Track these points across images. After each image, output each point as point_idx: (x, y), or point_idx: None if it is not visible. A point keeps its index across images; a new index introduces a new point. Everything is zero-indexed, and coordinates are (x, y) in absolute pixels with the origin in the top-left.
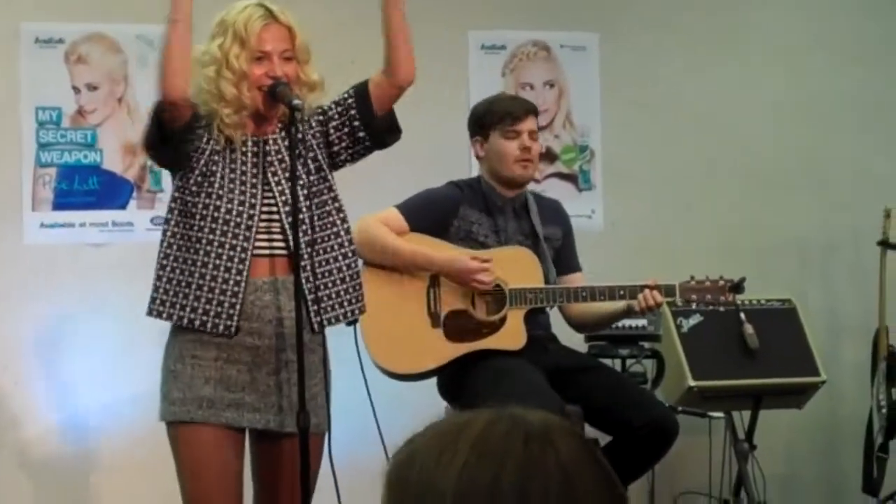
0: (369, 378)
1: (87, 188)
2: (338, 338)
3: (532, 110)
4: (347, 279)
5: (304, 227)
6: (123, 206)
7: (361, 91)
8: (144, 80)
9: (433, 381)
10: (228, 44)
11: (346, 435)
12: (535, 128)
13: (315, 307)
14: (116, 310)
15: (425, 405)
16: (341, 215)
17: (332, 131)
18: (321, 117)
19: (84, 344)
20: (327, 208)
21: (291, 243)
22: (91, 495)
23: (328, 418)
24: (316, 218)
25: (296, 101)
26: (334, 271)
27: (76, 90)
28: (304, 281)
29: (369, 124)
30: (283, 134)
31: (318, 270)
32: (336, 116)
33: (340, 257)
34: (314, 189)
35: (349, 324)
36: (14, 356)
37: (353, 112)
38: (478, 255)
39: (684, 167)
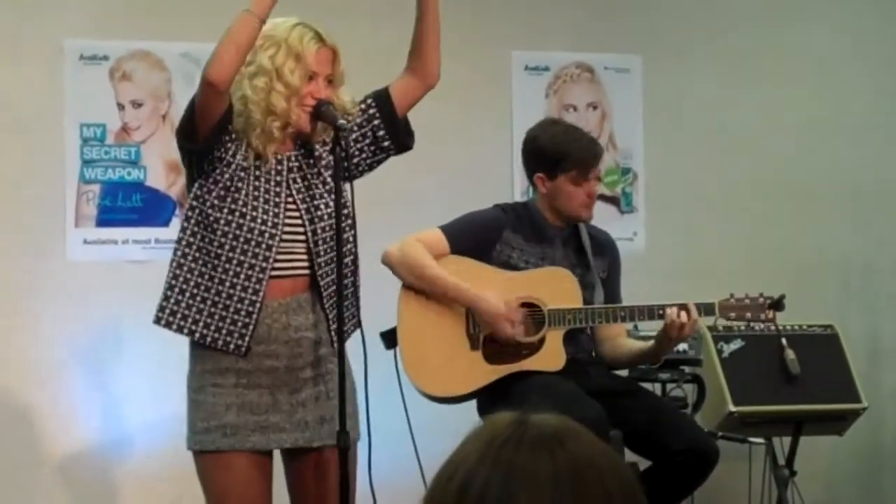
0: (408, 399)
1: (130, 205)
2: (376, 360)
3: (601, 156)
4: (353, 292)
5: (325, 245)
6: (166, 224)
7: (383, 97)
8: (188, 97)
9: (473, 403)
10: (282, 58)
11: (385, 457)
12: (601, 170)
13: (336, 324)
14: (158, 328)
15: (465, 427)
16: (353, 232)
17: (351, 143)
18: (343, 131)
19: (125, 361)
20: (343, 224)
21: (315, 263)
22: None
23: (366, 425)
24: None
25: (340, 122)
26: (349, 284)
27: (120, 107)
28: (325, 298)
29: (393, 130)
30: (303, 152)
31: (332, 290)
32: (355, 128)
33: (350, 273)
34: (331, 209)
35: (388, 345)
36: (55, 372)
37: (376, 122)
38: (509, 304)
39: (726, 189)
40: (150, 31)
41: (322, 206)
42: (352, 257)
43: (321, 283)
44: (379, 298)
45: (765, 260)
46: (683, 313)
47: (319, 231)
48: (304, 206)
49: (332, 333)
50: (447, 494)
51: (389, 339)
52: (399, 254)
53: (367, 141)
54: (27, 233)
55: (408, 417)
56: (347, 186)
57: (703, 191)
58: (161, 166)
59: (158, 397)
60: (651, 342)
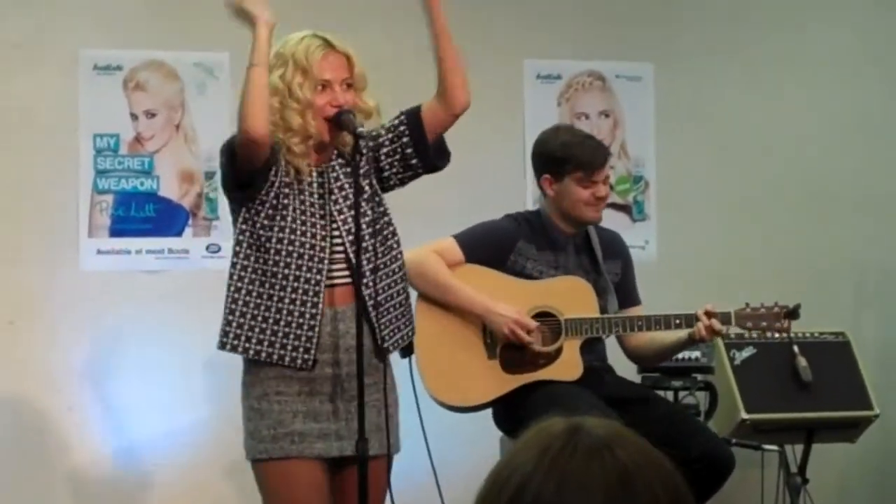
0: (423, 408)
1: (143, 215)
2: (393, 369)
3: (608, 158)
4: (404, 303)
5: (367, 254)
6: (179, 234)
7: (414, 117)
8: (202, 107)
9: (488, 411)
10: (290, 74)
11: (400, 465)
12: (609, 173)
13: (384, 332)
14: (171, 337)
15: (480, 436)
16: (397, 238)
17: (382, 157)
18: (371, 143)
19: (138, 371)
20: (386, 232)
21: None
22: None
23: (395, 442)
24: (379, 244)
25: (360, 129)
26: (394, 295)
27: (134, 117)
28: (369, 308)
29: (422, 150)
30: (341, 161)
31: (379, 297)
32: (387, 143)
33: (399, 280)
34: (375, 216)
35: (404, 354)
36: (68, 381)
37: (405, 139)
38: (527, 323)
39: (739, 197)
40: (164, 41)
41: (362, 216)
42: (399, 263)
43: (365, 293)
44: None
45: (778, 267)
46: (710, 325)
47: (362, 241)
48: (342, 216)
49: (379, 342)
50: (500, 501)
51: (406, 347)
52: (414, 264)
53: (398, 157)
54: (41, 242)
55: (422, 426)
56: (384, 196)
57: (715, 199)
58: (174, 176)
59: (172, 407)
60: (682, 333)
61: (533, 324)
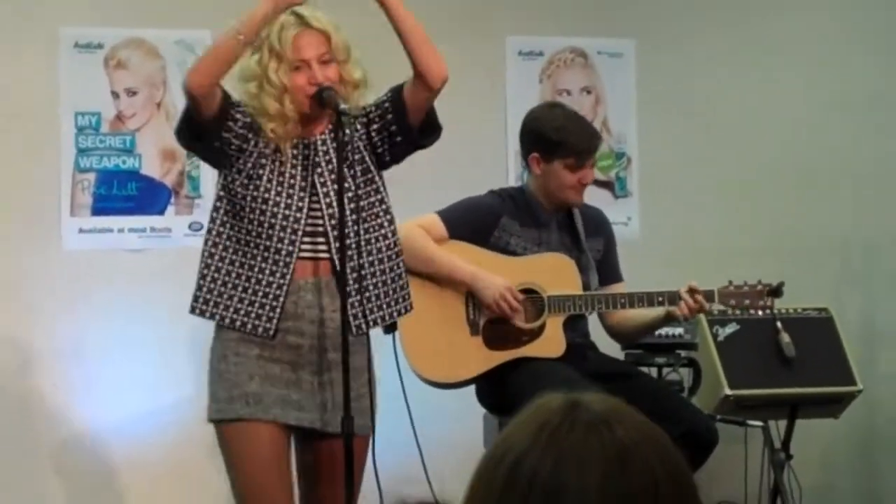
0: (407, 385)
1: (125, 193)
2: (376, 346)
3: (599, 146)
4: (390, 280)
5: (348, 229)
6: (161, 212)
7: (396, 95)
8: None
9: (471, 388)
10: (266, 59)
11: (384, 442)
12: (595, 159)
13: (358, 310)
14: (154, 315)
15: (464, 413)
16: (388, 216)
17: (373, 134)
18: (364, 119)
19: (121, 349)
20: (374, 210)
21: (334, 247)
22: (128, 500)
23: (373, 421)
24: (363, 220)
25: (343, 106)
26: (378, 273)
27: (115, 95)
28: (350, 282)
29: (404, 128)
30: (332, 136)
31: (363, 272)
32: (376, 119)
33: (386, 259)
34: (361, 192)
35: (388, 330)
36: (51, 361)
37: (389, 116)
38: (512, 293)
39: (721, 173)
40: (145, 19)
41: (346, 192)
42: (388, 242)
43: (348, 267)
44: None
45: (761, 245)
46: (692, 303)
47: (344, 216)
48: (324, 190)
49: (353, 320)
50: (497, 477)
51: (389, 324)
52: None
53: (385, 134)
54: (23, 221)
55: (407, 402)
56: (377, 175)
57: (697, 175)
58: (156, 154)
59: (156, 385)
60: (660, 310)
61: (519, 296)
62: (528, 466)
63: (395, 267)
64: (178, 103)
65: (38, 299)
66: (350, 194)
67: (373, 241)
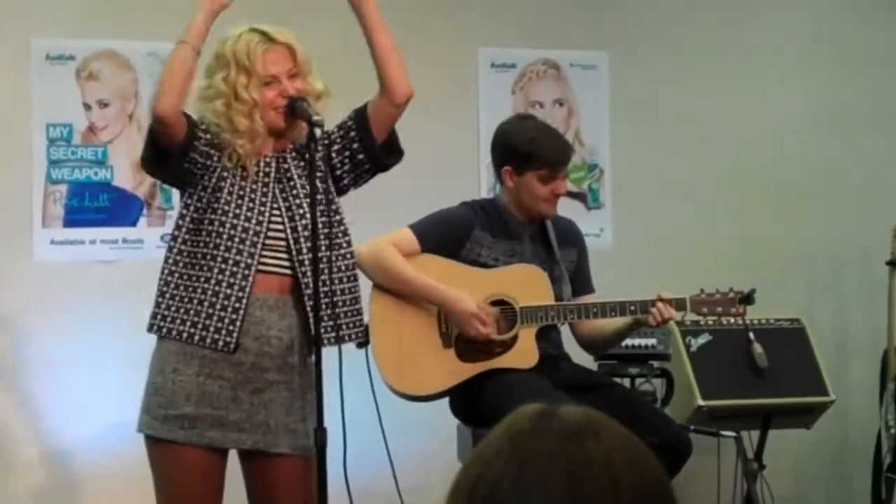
0: (379, 398)
1: (97, 205)
2: (349, 359)
3: (571, 157)
4: (349, 302)
5: (307, 245)
6: (134, 224)
7: (360, 114)
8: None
9: (445, 400)
10: (234, 75)
11: (356, 456)
12: (567, 170)
13: (329, 323)
14: (126, 327)
15: (437, 425)
16: (347, 238)
17: (334, 155)
18: (325, 140)
19: (93, 361)
20: (335, 230)
21: (296, 262)
22: None
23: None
24: (326, 242)
25: (316, 117)
26: (337, 292)
27: (87, 107)
28: (306, 300)
29: (369, 148)
30: (293, 154)
31: (333, 288)
32: (338, 140)
33: (345, 279)
34: (325, 214)
35: (360, 345)
36: (23, 373)
37: (352, 135)
38: (483, 307)
39: (693, 185)
40: (117, 31)
41: (305, 206)
42: (348, 263)
43: (302, 284)
44: None
45: (732, 255)
46: (664, 309)
47: (300, 230)
48: (286, 205)
49: (336, 333)
50: (465, 485)
51: (362, 337)
52: (370, 256)
53: (347, 154)
54: None
55: (379, 416)
56: (336, 197)
57: (669, 187)
58: (128, 166)
59: (126, 396)
60: (628, 319)
61: (491, 311)
62: (492, 474)
63: (354, 289)
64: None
65: (9, 310)
66: (321, 207)
67: (334, 259)
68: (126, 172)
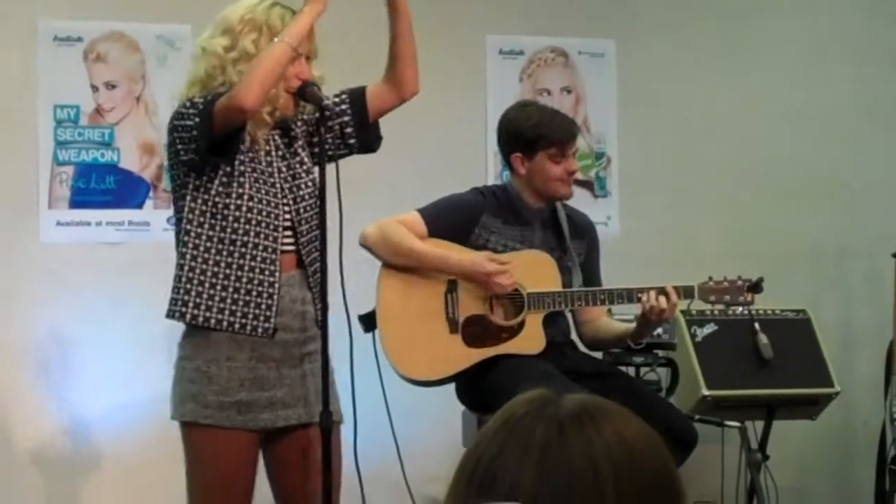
0: (386, 383)
1: (103, 187)
2: (355, 344)
3: (578, 132)
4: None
5: (308, 225)
6: (140, 206)
7: (358, 97)
8: (163, 79)
9: (450, 386)
10: (265, 42)
11: (363, 440)
12: (576, 147)
13: (322, 316)
14: (132, 309)
15: (442, 411)
16: (312, 177)
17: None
18: (306, 117)
19: (99, 343)
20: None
21: (300, 243)
22: (104, 496)
23: (352, 408)
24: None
25: (326, 102)
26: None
27: (94, 88)
28: (311, 275)
29: (361, 130)
30: (279, 132)
31: (314, 266)
32: (331, 117)
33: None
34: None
35: (367, 329)
36: (29, 355)
37: (346, 118)
38: (496, 257)
39: (700, 174)
40: (125, 13)
41: (303, 186)
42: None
43: (306, 261)
44: (357, 281)
45: (739, 245)
46: (662, 298)
47: (302, 211)
48: (287, 185)
49: (318, 312)
50: (460, 466)
51: (368, 322)
52: (378, 233)
53: (333, 133)
54: (0, 214)
55: (386, 401)
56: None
57: (676, 175)
58: (135, 148)
59: (132, 378)
60: (632, 324)
61: (504, 259)
62: (477, 452)
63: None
64: (158, 97)
65: (15, 292)
66: (311, 189)
67: (306, 196)
68: (132, 154)
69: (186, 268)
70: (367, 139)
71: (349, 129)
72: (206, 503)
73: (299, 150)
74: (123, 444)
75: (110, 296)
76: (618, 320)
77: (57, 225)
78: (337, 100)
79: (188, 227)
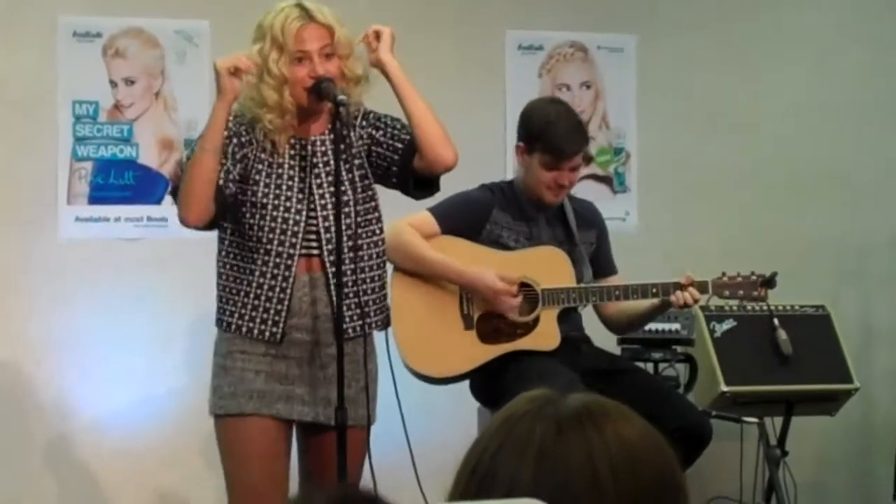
0: (399, 380)
1: (122, 183)
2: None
3: (581, 150)
4: (378, 289)
5: (349, 231)
6: (158, 202)
7: (409, 148)
8: (181, 75)
9: (465, 383)
10: (268, 49)
11: (374, 438)
12: (579, 162)
13: (355, 311)
14: (150, 305)
15: (456, 408)
16: (380, 225)
17: (374, 153)
18: (372, 130)
19: (118, 338)
20: (369, 216)
21: (325, 250)
22: (124, 490)
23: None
24: (358, 226)
25: (340, 97)
26: (367, 280)
27: (113, 84)
28: (345, 283)
29: (403, 180)
30: (330, 136)
31: (361, 276)
32: (383, 145)
33: (376, 266)
34: (360, 194)
35: (381, 327)
36: (47, 351)
37: (396, 157)
38: (506, 277)
39: (719, 170)
40: (144, 8)
41: (346, 190)
42: (377, 250)
43: (329, 270)
44: None
45: (758, 241)
46: (686, 294)
47: (331, 218)
48: (320, 191)
49: (362, 321)
50: (463, 461)
51: (382, 319)
52: (392, 239)
53: (384, 164)
54: (19, 210)
55: (398, 398)
56: (373, 182)
57: (695, 171)
58: (153, 144)
59: (151, 375)
60: (655, 300)
61: (513, 279)
62: (478, 449)
63: (382, 277)
64: (177, 93)
65: (34, 288)
66: (346, 197)
67: (364, 247)
68: (151, 150)
69: (217, 274)
70: (407, 189)
71: (394, 169)
72: (235, 491)
73: (347, 155)
74: (142, 440)
75: (129, 291)
76: None
77: (76, 221)
78: (402, 133)
79: (222, 234)
